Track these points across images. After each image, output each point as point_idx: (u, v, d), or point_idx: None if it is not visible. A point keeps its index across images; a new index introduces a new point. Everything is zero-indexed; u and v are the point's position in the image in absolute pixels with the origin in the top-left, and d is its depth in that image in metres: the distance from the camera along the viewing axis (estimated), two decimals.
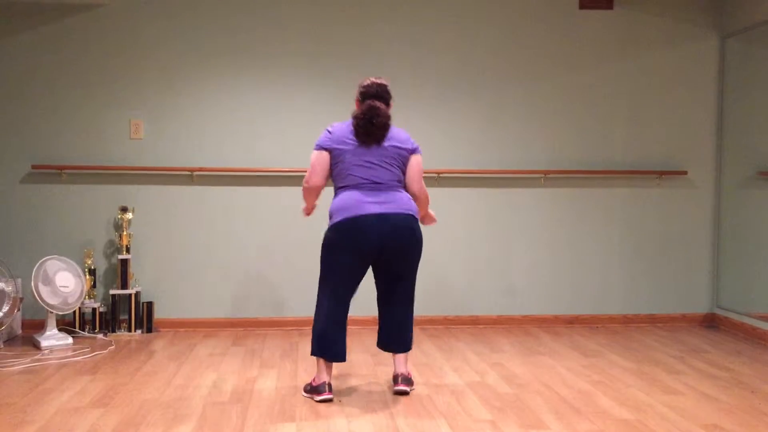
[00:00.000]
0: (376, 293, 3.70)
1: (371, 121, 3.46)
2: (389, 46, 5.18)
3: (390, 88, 3.62)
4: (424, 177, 5.13)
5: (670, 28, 5.36)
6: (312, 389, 3.53)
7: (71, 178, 5.03)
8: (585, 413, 3.29)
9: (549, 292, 5.35)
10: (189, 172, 5.08)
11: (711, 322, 5.41)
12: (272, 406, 3.38)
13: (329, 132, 3.56)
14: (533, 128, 5.29)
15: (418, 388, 3.68)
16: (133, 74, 5.04)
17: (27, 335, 4.84)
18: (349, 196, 3.46)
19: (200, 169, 5.02)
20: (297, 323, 5.17)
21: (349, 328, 5.12)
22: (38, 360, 4.20)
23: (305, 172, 5.06)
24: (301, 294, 5.14)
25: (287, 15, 5.12)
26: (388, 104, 3.58)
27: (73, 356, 4.31)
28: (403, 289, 3.61)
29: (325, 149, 3.54)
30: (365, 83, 3.60)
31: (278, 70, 5.14)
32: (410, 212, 3.50)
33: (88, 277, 4.90)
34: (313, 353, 3.52)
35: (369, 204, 3.43)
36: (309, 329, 5.13)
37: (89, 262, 4.94)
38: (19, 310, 4.70)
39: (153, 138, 5.07)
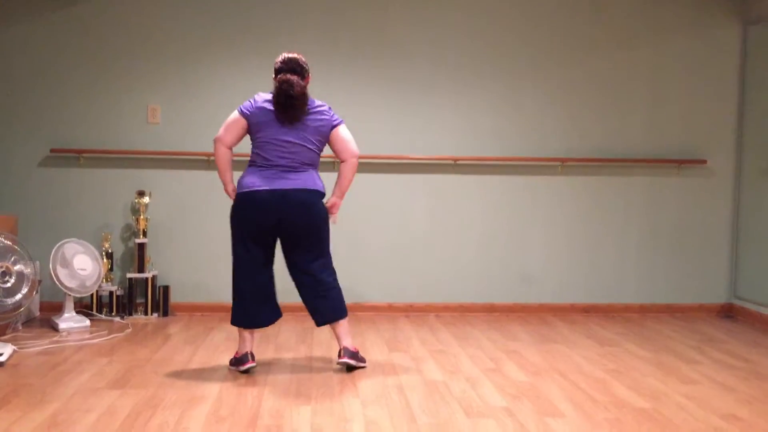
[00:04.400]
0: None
1: (288, 94, 3.48)
2: (407, 33, 5.15)
3: (304, 61, 3.60)
4: (438, 163, 5.17)
5: (692, 14, 5.29)
6: (236, 361, 3.68)
7: (89, 162, 5.06)
8: (601, 402, 3.27)
9: (565, 280, 5.32)
10: (206, 157, 5.09)
11: (728, 313, 5.37)
12: (288, 389, 3.40)
13: (253, 101, 3.58)
14: (551, 116, 5.25)
15: (434, 374, 3.68)
16: (151, 59, 5.05)
17: (45, 317, 4.89)
18: (253, 172, 3.56)
19: None
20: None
21: (363, 314, 5.14)
22: (56, 342, 4.24)
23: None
24: None
25: (305, 1, 5.10)
26: (303, 77, 3.57)
27: (91, 338, 4.34)
28: (315, 262, 3.65)
29: (244, 117, 3.56)
30: (278, 59, 3.62)
31: None
32: (309, 188, 3.55)
33: (105, 260, 4.94)
34: (232, 323, 3.67)
35: (269, 180, 3.51)
36: None
37: (107, 245, 4.97)
38: (37, 292, 4.74)
39: (170, 123, 5.08)
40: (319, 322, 3.69)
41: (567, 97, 5.26)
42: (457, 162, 5.20)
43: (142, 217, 4.96)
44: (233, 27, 5.08)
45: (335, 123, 3.63)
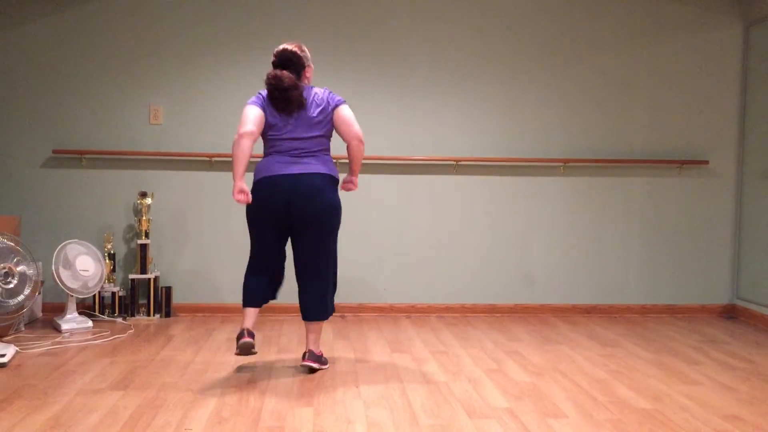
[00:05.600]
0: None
1: (278, 88, 3.48)
2: (408, 35, 5.16)
3: (301, 52, 3.57)
4: (439, 164, 5.17)
5: (693, 14, 5.29)
6: (236, 340, 3.75)
7: (91, 163, 5.07)
8: (603, 402, 3.28)
9: (567, 281, 5.32)
10: (208, 158, 5.09)
11: (730, 313, 5.37)
12: (290, 390, 3.40)
13: (261, 95, 3.58)
14: (553, 116, 5.26)
15: (436, 375, 3.68)
16: (153, 60, 5.06)
17: (47, 318, 4.90)
18: (268, 160, 3.58)
19: (219, 155, 5.03)
20: None
21: (365, 315, 5.14)
22: (59, 342, 4.25)
23: None
24: None
25: (307, 2, 5.10)
26: (299, 68, 3.56)
27: (93, 339, 4.35)
28: (315, 253, 3.61)
29: (260, 107, 3.54)
30: (275, 51, 3.61)
31: None
32: (321, 172, 3.55)
33: (107, 261, 4.94)
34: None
35: (283, 166, 3.53)
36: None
37: (109, 246, 4.98)
38: (39, 293, 4.75)
39: (172, 123, 5.09)
40: (302, 316, 3.71)
41: (569, 98, 5.26)
42: (459, 163, 5.21)
43: (144, 218, 4.96)
44: (235, 27, 5.09)
45: (337, 102, 3.60)
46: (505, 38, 5.21)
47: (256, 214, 3.61)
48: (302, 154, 3.57)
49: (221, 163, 5.12)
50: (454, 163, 5.20)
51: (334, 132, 4.01)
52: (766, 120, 5.07)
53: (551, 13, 5.22)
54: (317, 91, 3.61)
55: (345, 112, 3.60)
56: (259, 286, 3.69)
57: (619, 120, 5.29)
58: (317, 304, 3.65)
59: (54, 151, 4.96)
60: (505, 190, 5.27)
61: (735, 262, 5.38)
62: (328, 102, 3.59)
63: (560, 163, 5.24)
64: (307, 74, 3.63)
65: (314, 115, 3.56)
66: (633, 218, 5.34)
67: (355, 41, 5.15)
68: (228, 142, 5.09)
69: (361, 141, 3.62)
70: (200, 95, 5.09)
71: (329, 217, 3.58)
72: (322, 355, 3.78)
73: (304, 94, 3.57)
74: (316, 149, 3.59)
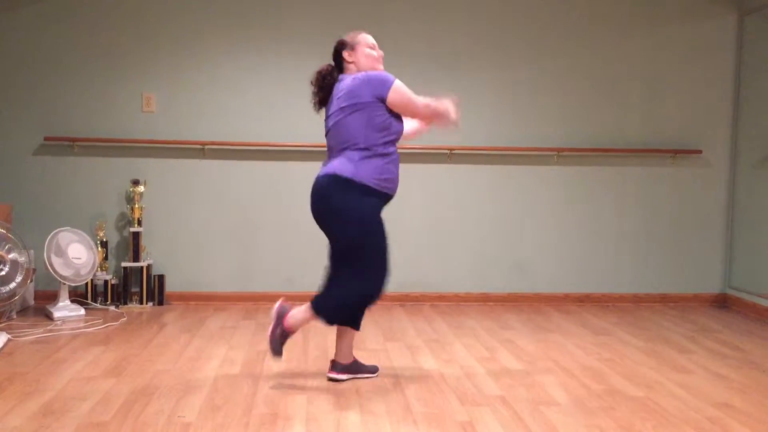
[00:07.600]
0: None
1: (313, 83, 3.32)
2: (403, 22, 5.13)
3: (340, 41, 3.36)
4: (433, 153, 5.16)
5: (687, 3, 5.28)
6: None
7: (83, 151, 5.04)
8: (595, 390, 3.29)
9: (560, 270, 5.33)
10: (200, 146, 5.07)
11: (723, 303, 5.39)
12: (283, 378, 3.40)
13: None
14: (546, 106, 5.25)
15: (429, 364, 3.68)
16: (146, 47, 5.02)
17: (39, 306, 4.88)
18: None
19: (212, 143, 5.01)
20: (307, 298, 5.16)
21: None
22: (51, 330, 4.24)
23: (314, 147, 5.07)
24: (311, 269, 5.14)
25: None
26: (337, 56, 3.33)
27: (86, 327, 4.34)
28: (332, 257, 3.25)
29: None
30: None
31: (290, 45, 5.10)
32: (330, 173, 3.12)
33: (100, 249, 4.92)
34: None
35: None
36: None
37: (101, 234, 4.96)
38: (31, 281, 4.73)
39: (165, 111, 5.06)
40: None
41: (563, 88, 5.25)
42: (453, 152, 5.20)
43: (136, 205, 4.94)
44: (229, 14, 5.05)
45: (376, 92, 3.16)
46: (500, 28, 5.20)
47: None
48: (330, 154, 3.26)
49: (214, 151, 5.10)
50: (448, 152, 5.19)
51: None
52: (759, 110, 5.08)
53: (545, 3, 5.21)
54: (346, 80, 3.21)
55: (400, 95, 3.13)
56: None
57: (612, 109, 5.29)
58: (320, 299, 3.39)
59: (46, 138, 4.93)
60: (499, 179, 5.27)
61: (727, 251, 5.40)
62: (358, 89, 3.12)
63: (554, 153, 5.24)
64: (348, 58, 3.29)
65: (334, 103, 3.21)
66: (626, 207, 5.35)
67: (349, 28, 5.11)
68: (220, 129, 5.07)
69: (428, 110, 3.21)
70: (193, 83, 5.06)
71: (329, 225, 3.18)
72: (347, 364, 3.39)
73: (337, 85, 3.25)
74: (338, 146, 3.19)
